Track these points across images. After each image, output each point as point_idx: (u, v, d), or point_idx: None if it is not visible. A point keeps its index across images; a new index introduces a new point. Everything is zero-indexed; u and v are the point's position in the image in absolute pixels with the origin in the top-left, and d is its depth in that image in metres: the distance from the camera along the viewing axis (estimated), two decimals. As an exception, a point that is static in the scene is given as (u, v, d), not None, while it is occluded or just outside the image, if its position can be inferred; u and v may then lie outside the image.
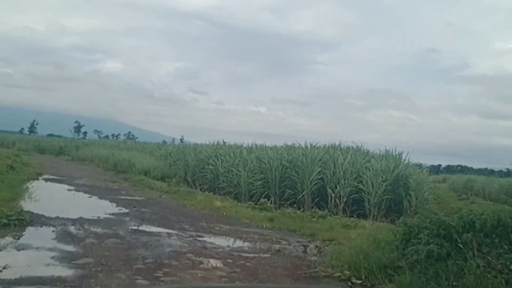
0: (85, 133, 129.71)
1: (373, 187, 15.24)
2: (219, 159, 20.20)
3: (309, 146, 19.05)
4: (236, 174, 18.30)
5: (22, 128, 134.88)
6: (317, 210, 15.11)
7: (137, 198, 15.29)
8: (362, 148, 19.65)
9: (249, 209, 14.45)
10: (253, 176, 17.96)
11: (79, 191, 15.80)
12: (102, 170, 27.74)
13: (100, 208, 12.18)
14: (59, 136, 47.92)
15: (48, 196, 12.84)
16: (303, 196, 16.39)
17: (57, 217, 9.93)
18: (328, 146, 19.19)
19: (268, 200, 16.87)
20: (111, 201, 13.63)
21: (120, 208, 12.40)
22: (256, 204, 15.57)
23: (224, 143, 23.96)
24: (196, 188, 21.33)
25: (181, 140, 32.01)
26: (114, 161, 27.50)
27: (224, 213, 13.13)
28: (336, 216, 14.21)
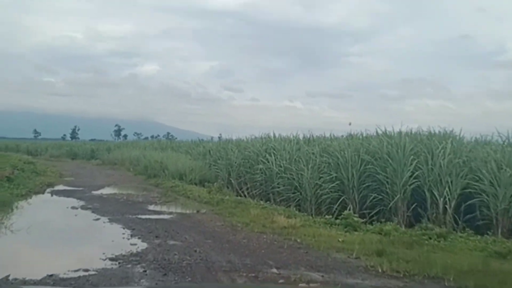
0: (125, 136, 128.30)
1: (499, 186, 10.05)
2: (272, 155, 15.40)
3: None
4: (297, 174, 13.50)
5: (64, 135, 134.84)
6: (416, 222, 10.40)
7: (165, 216, 10.61)
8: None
9: (331, 229, 9.57)
10: (320, 176, 13.11)
11: (87, 208, 11.27)
12: (132, 175, 23.41)
13: (100, 243, 7.51)
14: (101, 141, 45.23)
15: (29, 223, 8.30)
16: (395, 202, 11.45)
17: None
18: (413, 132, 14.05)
19: (345, 208, 12.19)
20: (125, 225, 8.99)
21: (135, 240, 7.68)
22: (335, 217, 10.69)
23: (274, 135, 19.04)
24: (243, 194, 16.64)
25: (219, 138, 27.56)
26: (144, 164, 23.11)
27: (298, 240, 8.27)
28: (459, 234, 9.19)
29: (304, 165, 13.42)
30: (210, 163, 20.21)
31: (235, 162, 17.88)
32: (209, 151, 22.08)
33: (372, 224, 10.38)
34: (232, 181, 17.77)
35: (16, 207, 10.75)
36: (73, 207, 11.29)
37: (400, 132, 13.59)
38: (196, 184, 18.09)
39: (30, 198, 12.82)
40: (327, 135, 17.04)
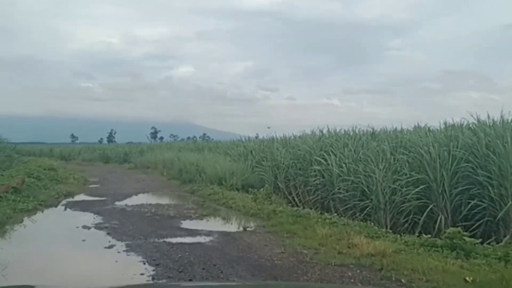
0: (161, 138, 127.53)
1: None
2: (330, 153, 12.57)
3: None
4: (365, 176, 10.69)
5: (101, 139, 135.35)
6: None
7: (203, 238, 7.87)
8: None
9: (435, 255, 6.64)
10: (397, 179, 10.26)
11: (102, 228, 8.68)
12: (165, 179, 20.93)
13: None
14: (139, 143, 43.70)
15: (9, 260, 5.75)
16: (506, 211, 8.52)
17: None
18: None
19: (432, 219, 9.44)
20: (147, 258, 6.33)
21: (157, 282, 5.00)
22: (438, 236, 7.78)
23: (329, 130, 16.06)
24: (294, 200, 13.87)
25: (256, 137, 24.97)
26: (178, 167, 20.60)
27: (402, 279, 5.43)
28: None
29: (375, 166, 10.54)
30: (253, 165, 17.51)
31: (283, 163, 15.13)
32: (251, 151, 19.37)
33: (481, 244, 7.42)
34: (280, 185, 15.03)
35: (10, 228, 8.27)
36: (84, 227, 8.71)
37: (502, 120, 10.48)
38: (238, 190, 15.41)
39: (36, 214, 10.38)
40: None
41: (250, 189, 15.42)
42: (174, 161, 23.17)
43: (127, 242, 7.39)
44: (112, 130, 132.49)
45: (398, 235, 8.07)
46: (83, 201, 13.04)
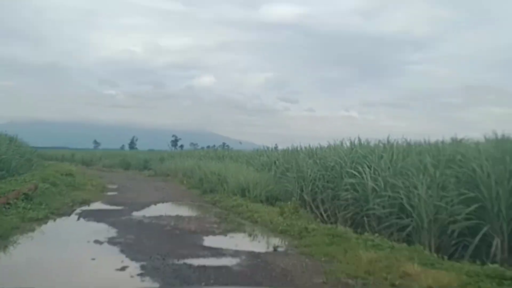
0: (181, 146, 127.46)
1: None
2: (365, 165, 11.45)
3: None
4: (406, 191, 9.59)
5: (123, 145, 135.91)
6: None
7: (228, 260, 6.86)
8: None
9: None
10: (443, 196, 9.12)
11: (116, 243, 7.76)
12: (185, 188, 20.02)
13: None
14: (160, 151, 42.97)
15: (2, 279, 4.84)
16: None
17: None
18: None
19: (486, 243, 8.30)
20: (164, 283, 5.36)
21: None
22: (492, 262, 6.64)
23: (360, 142, 14.88)
24: (322, 215, 12.78)
25: (275, 148, 23.94)
26: (199, 176, 19.67)
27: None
28: None
29: (417, 181, 9.42)
30: (277, 176, 16.50)
31: (310, 175, 14.04)
32: (275, 162, 18.37)
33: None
34: (306, 198, 13.95)
35: (13, 241, 7.40)
36: (96, 241, 7.79)
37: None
38: (262, 202, 14.41)
39: (47, 224, 9.51)
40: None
41: (274, 201, 14.46)
42: (194, 169, 22.28)
43: (142, 263, 6.42)
44: (134, 137, 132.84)
45: (456, 263, 6.94)
46: (98, 210, 12.16)
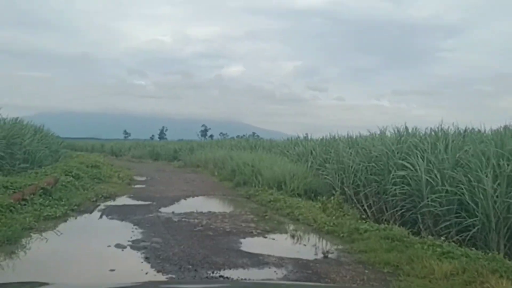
0: (211, 136, 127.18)
1: None
2: (418, 156, 10.08)
3: None
4: (469, 186, 8.25)
5: (153, 135, 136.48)
6: None
7: (273, 271, 5.64)
8: None
9: None
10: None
11: (140, 248, 6.65)
12: (217, 180, 18.96)
13: None
14: (190, 141, 42.03)
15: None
16: None
17: None
18: None
19: None
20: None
21: None
22: None
23: (407, 129, 13.41)
24: (367, 213, 11.49)
25: (305, 137, 22.93)
26: (231, 167, 18.55)
27: None
28: None
29: (484, 175, 8.02)
30: (314, 166, 15.25)
31: (351, 167, 12.75)
32: (311, 152, 17.11)
33: None
34: (348, 192, 12.69)
35: (23, 244, 6.39)
36: (118, 245, 6.69)
37: None
38: (300, 196, 13.18)
39: (66, 222, 8.52)
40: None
41: (313, 195, 13.26)
42: (226, 160, 21.18)
43: (170, 275, 5.29)
44: (163, 127, 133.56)
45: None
46: (124, 205, 11.13)
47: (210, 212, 10.30)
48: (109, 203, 11.41)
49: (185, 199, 12.94)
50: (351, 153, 13.38)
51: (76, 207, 9.84)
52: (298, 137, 22.14)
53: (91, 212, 9.93)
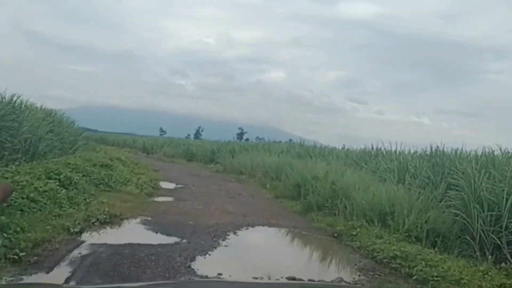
0: (247, 139, 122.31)
1: None
2: None
3: None
4: None
5: (188, 135, 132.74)
6: None
7: None
8: None
9: None
10: None
11: None
12: (270, 196, 13.56)
13: None
14: (228, 141, 37.20)
15: None
16: None
17: None
18: None
19: None
20: None
21: None
22: None
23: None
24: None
25: (343, 148, 18.43)
26: (294, 180, 13.14)
27: None
28: None
29: None
30: (415, 189, 9.83)
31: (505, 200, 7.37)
32: (406, 167, 11.72)
33: None
34: (501, 244, 7.26)
35: None
36: None
37: None
38: (418, 239, 7.76)
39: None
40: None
41: (437, 240, 7.94)
42: (283, 169, 15.83)
43: None
44: (199, 127, 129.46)
45: None
46: (126, 247, 5.82)
47: (292, 278, 4.93)
48: (102, 237, 6.16)
49: (236, 233, 7.59)
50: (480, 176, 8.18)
51: (15, 257, 4.60)
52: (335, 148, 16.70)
53: (48, 271, 4.65)
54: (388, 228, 8.45)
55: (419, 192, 9.70)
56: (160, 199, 10.78)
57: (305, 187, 12.23)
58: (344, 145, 20.38)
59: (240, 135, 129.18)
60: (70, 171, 9.09)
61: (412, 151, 14.05)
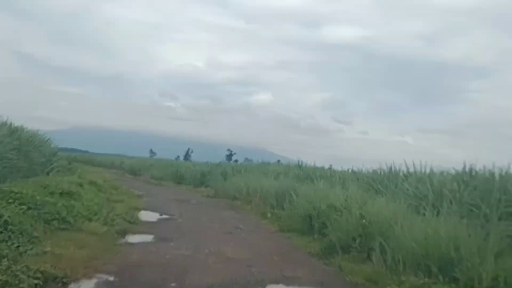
0: (236, 161, 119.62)
1: None
2: None
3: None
4: None
5: (178, 156, 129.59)
6: None
7: None
8: None
9: None
10: None
11: None
12: (274, 229, 10.82)
13: None
14: (219, 163, 34.89)
15: None
16: None
17: None
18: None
19: None
20: None
21: None
22: None
23: None
24: None
25: (329, 168, 16.29)
26: (303, 209, 10.44)
27: None
28: None
29: None
30: (453, 220, 7.28)
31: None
32: (440, 191, 9.22)
33: None
34: None
35: None
36: None
37: None
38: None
39: None
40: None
41: None
42: (284, 194, 13.21)
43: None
44: (189, 148, 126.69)
45: None
46: None
47: None
48: None
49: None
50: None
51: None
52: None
53: None
54: (456, 284, 5.84)
55: (479, 227, 7.15)
56: (135, 239, 8.02)
57: (319, 220, 9.57)
58: (330, 165, 19.33)
59: (229, 156, 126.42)
60: (5, 205, 6.33)
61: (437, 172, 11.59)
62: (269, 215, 12.78)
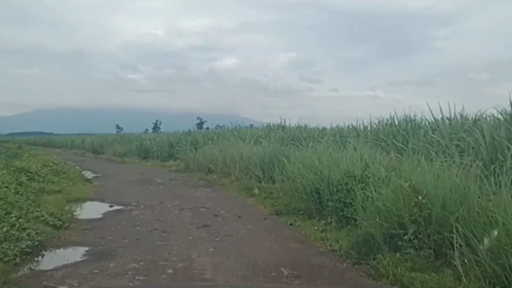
0: (207, 128, 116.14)
1: None
2: None
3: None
4: None
5: (146, 129, 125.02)
6: None
7: None
8: None
9: None
10: None
11: None
12: (268, 212, 7.88)
13: None
14: (189, 131, 31.59)
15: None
16: None
17: None
18: None
19: None
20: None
21: None
22: None
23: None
24: None
25: (317, 128, 13.59)
26: (307, 182, 7.49)
27: None
28: None
29: None
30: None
31: None
32: (492, 144, 6.36)
33: None
34: None
35: None
36: None
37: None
38: None
39: None
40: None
41: None
42: (272, 162, 10.27)
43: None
44: (157, 120, 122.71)
45: None
46: None
47: None
48: None
49: None
50: None
51: None
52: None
53: None
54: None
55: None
56: (54, 260, 4.90)
57: (333, 196, 6.67)
58: (305, 125, 17.54)
59: (200, 124, 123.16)
60: None
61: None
62: (256, 191, 9.81)
